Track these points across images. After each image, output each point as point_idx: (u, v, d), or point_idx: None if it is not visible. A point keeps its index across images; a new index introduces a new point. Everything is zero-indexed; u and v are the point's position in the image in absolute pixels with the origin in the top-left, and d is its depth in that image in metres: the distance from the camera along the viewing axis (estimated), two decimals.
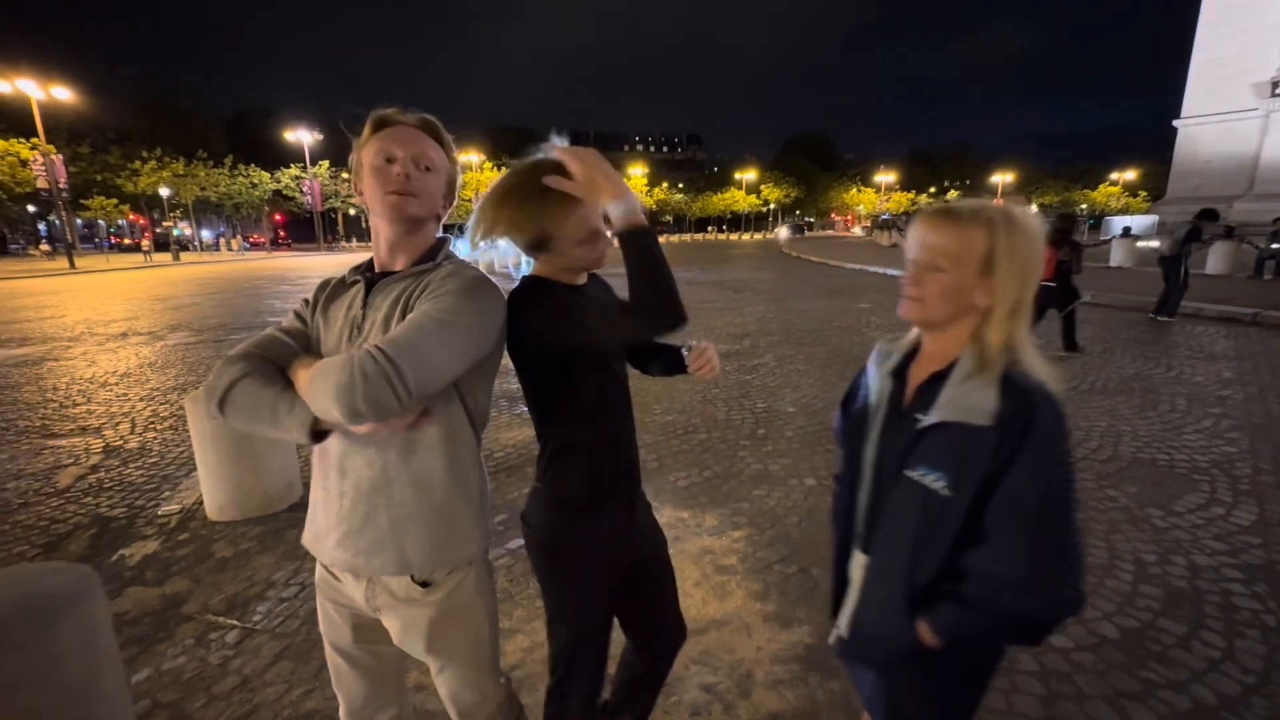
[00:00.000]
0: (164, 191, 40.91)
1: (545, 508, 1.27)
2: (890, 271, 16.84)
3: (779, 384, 5.67)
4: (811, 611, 2.37)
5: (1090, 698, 1.92)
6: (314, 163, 45.21)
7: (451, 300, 1.03)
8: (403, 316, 1.05)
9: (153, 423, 4.97)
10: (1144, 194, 75.14)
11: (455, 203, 1.19)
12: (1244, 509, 3.11)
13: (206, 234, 54.92)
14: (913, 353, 1.09)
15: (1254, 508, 3.12)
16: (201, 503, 3.34)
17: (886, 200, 77.22)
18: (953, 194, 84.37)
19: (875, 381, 1.11)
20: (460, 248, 1.21)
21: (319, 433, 1.01)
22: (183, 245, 37.37)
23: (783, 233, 59.84)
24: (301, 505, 3.38)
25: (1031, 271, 0.93)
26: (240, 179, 44.74)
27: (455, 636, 1.17)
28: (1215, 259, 13.08)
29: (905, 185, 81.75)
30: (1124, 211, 65.23)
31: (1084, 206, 79.11)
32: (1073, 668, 2.05)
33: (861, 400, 1.14)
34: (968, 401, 0.92)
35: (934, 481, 0.95)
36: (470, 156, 55.01)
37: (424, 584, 1.12)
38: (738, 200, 74.16)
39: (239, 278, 20.90)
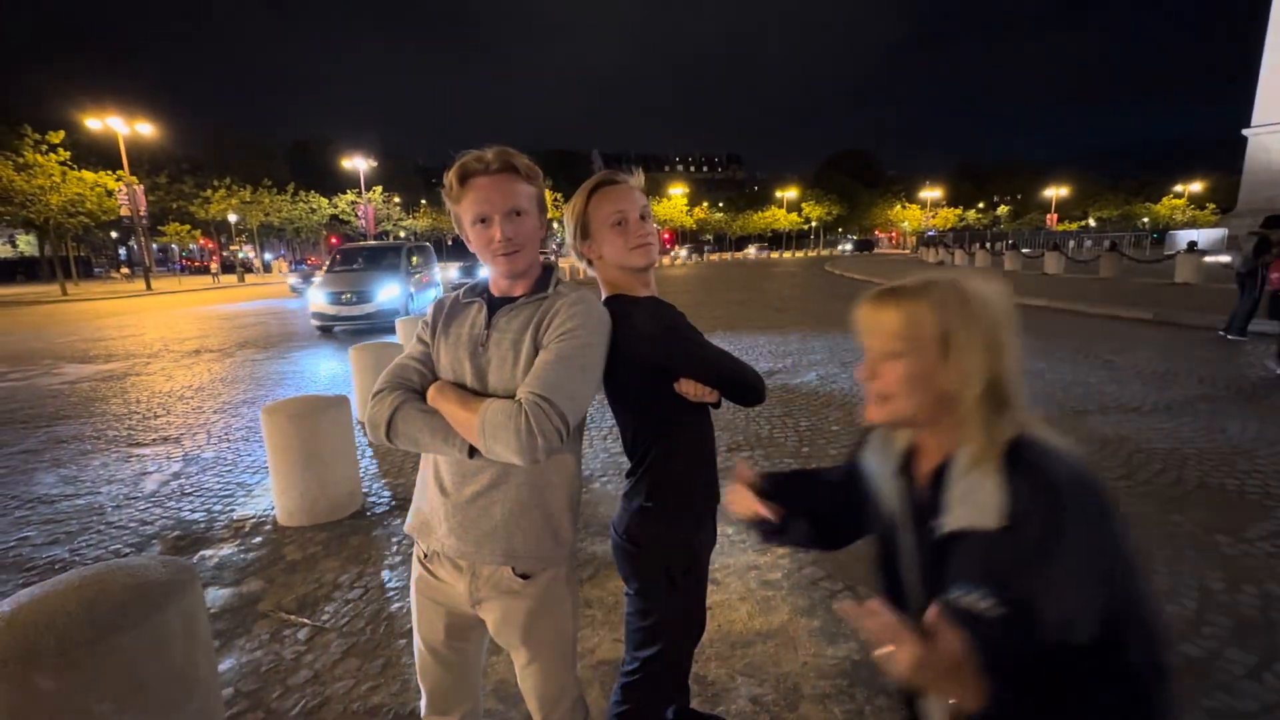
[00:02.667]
0: (232, 217, 43.52)
1: (657, 519, 1.34)
2: None
3: (822, 403, 5.65)
4: (857, 630, 2.37)
5: None
6: (368, 188, 47.35)
7: (585, 334, 1.15)
8: (534, 340, 1.16)
9: (226, 434, 5.30)
10: (1211, 206, 71.25)
11: (548, 217, 1.33)
12: None
13: (270, 256, 58.01)
14: (914, 446, 0.95)
15: None
16: (273, 509, 3.56)
17: (932, 216, 75.53)
18: (1003, 209, 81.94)
19: (884, 486, 0.97)
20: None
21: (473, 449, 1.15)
22: (247, 268, 39.59)
23: (751, 252, 59.83)
24: (363, 513, 3.57)
25: (1001, 339, 0.82)
26: (301, 204, 47.21)
27: (547, 629, 1.27)
28: None
29: (952, 201, 79.82)
30: (1190, 225, 61.96)
31: (1145, 220, 75.62)
32: None
33: (883, 509, 0.98)
34: (972, 500, 0.79)
35: (978, 602, 0.74)
36: None
37: (524, 576, 1.22)
38: (778, 218, 73.86)
39: (302, 298, 21.97)
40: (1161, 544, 2.95)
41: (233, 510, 3.70)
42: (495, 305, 1.24)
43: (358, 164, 44.11)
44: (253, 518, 3.56)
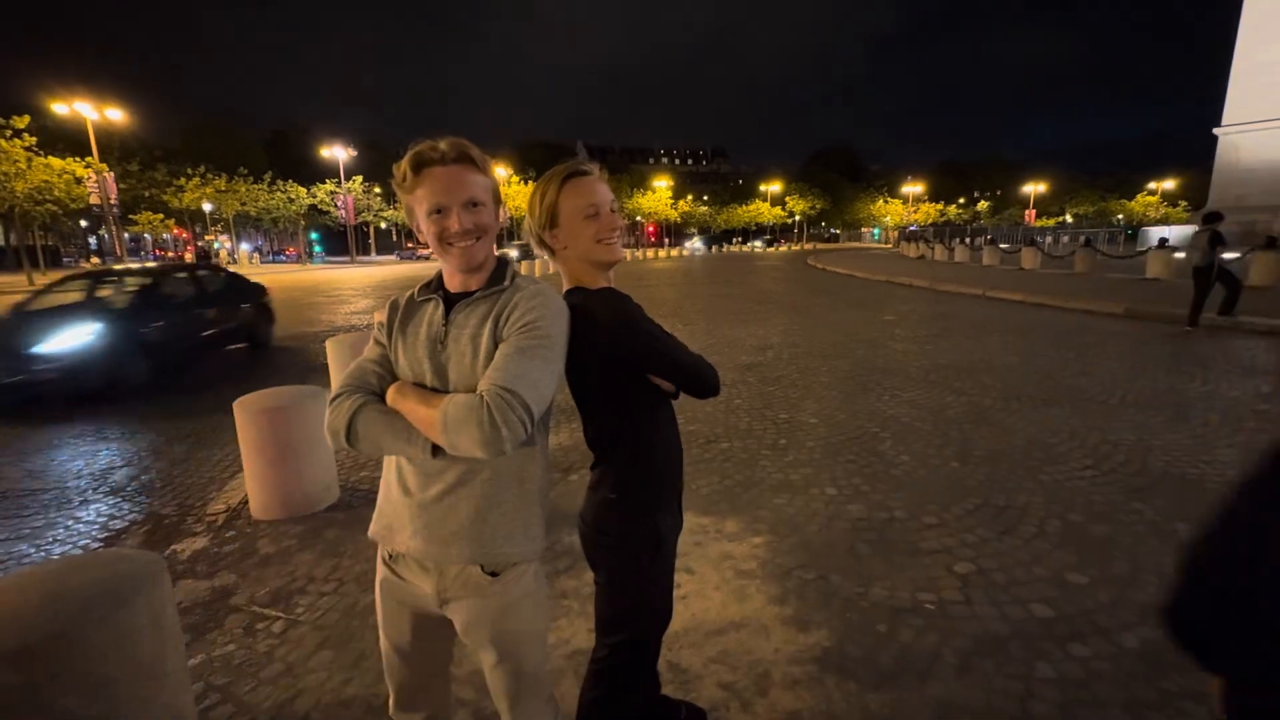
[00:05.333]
0: (206, 206, 42.55)
1: (623, 510, 1.36)
2: (917, 283, 16.68)
3: (801, 395, 5.70)
4: (829, 616, 2.42)
5: (1107, 705, 1.94)
6: (348, 178, 46.56)
7: (546, 325, 1.15)
8: (494, 334, 1.15)
9: (197, 426, 5.21)
10: (1184, 204, 72.87)
11: (504, 208, 1.30)
12: None
13: (246, 246, 56.89)
14: None
15: None
16: (246, 502, 3.52)
17: (914, 211, 76.28)
18: (983, 205, 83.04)
19: None
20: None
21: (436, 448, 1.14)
22: (232, 258, 38.79)
23: (696, 244, 57.58)
24: (339, 506, 3.55)
25: None
26: (278, 194, 46.31)
27: (516, 628, 1.25)
28: (1257, 270, 12.68)
29: (934, 196, 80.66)
30: (1162, 222, 63.34)
31: (1120, 217, 77.09)
32: (1090, 676, 2.07)
33: None
34: None
35: None
36: (499, 171, 56.08)
37: (493, 574, 1.21)
38: (763, 212, 74.08)
39: (276, 290, 21.59)
40: (1123, 530, 3.04)
41: (205, 504, 3.65)
42: (452, 301, 1.21)
43: (337, 153, 43.38)
44: (225, 511, 3.52)
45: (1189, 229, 30.25)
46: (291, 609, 2.56)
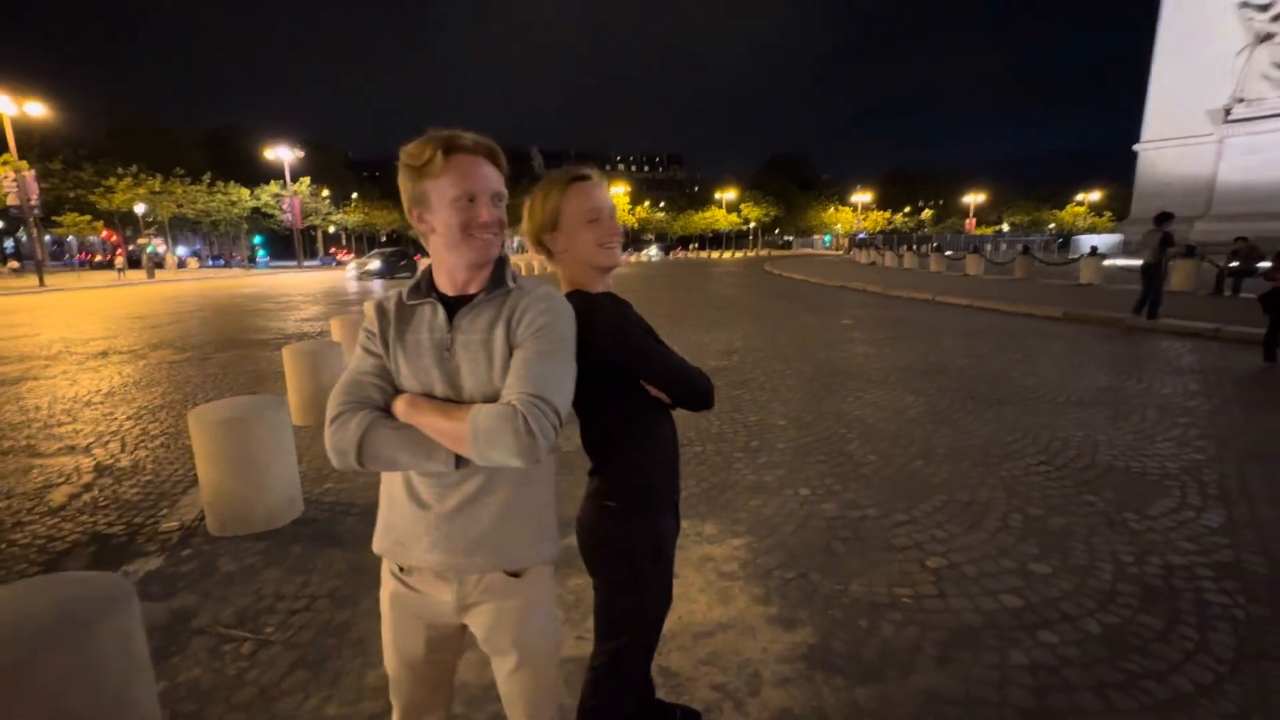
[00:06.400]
0: (139, 208, 40.27)
1: (622, 517, 1.35)
2: (870, 289, 17.22)
3: (768, 398, 5.80)
4: (812, 613, 2.46)
5: (1077, 688, 2.04)
6: (294, 179, 44.89)
7: (560, 329, 1.13)
8: (506, 339, 1.12)
9: (143, 441, 4.92)
10: (1109, 214, 77.73)
11: None
12: (1213, 512, 3.29)
13: (183, 251, 54.08)
14: None
15: (1222, 511, 3.30)
16: (203, 519, 3.34)
17: (864, 219, 78.82)
18: (927, 214, 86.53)
19: None
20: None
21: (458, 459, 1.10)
22: (158, 263, 36.56)
23: (653, 252, 59.18)
24: (304, 520, 3.40)
25: None
26: (219, 196, 44.26)
27: (537, 629, 1.23)
28: (1178, 277, 13.63)
29: (882, 204, 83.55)
30: (1090, 231, 67.35)
31: (1052, 226, 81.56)
32: (1060, 661, 2.17)
33: None
34: None
35: None
36: None
37: (514, 575, 1.19)
38: (718, 219, 75.20)
39: (220, 296, 20.65)
40: (1079, 522, 3.20)
41: (156, 522, 3.44)
42: (450, 304, 1.15)
43: (282, 154, 41.77)
44: (180, 529, 3.33)
45: (1115, 237, 32.31)
46: (260, 629, 2.44)
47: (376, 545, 1.24)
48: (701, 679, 2.11)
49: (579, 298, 1.30)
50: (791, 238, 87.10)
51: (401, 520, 1.19)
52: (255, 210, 46.85)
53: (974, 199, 69.75)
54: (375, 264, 29.09)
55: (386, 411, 1.15)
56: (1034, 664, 2.16)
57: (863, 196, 79.11)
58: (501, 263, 1.20)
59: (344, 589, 2.72)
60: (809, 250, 75.27)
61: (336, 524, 3.37)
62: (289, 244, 50.44)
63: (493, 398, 1.10)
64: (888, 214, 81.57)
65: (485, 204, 1.11)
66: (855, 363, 7.23)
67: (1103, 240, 29.58)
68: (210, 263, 50.32)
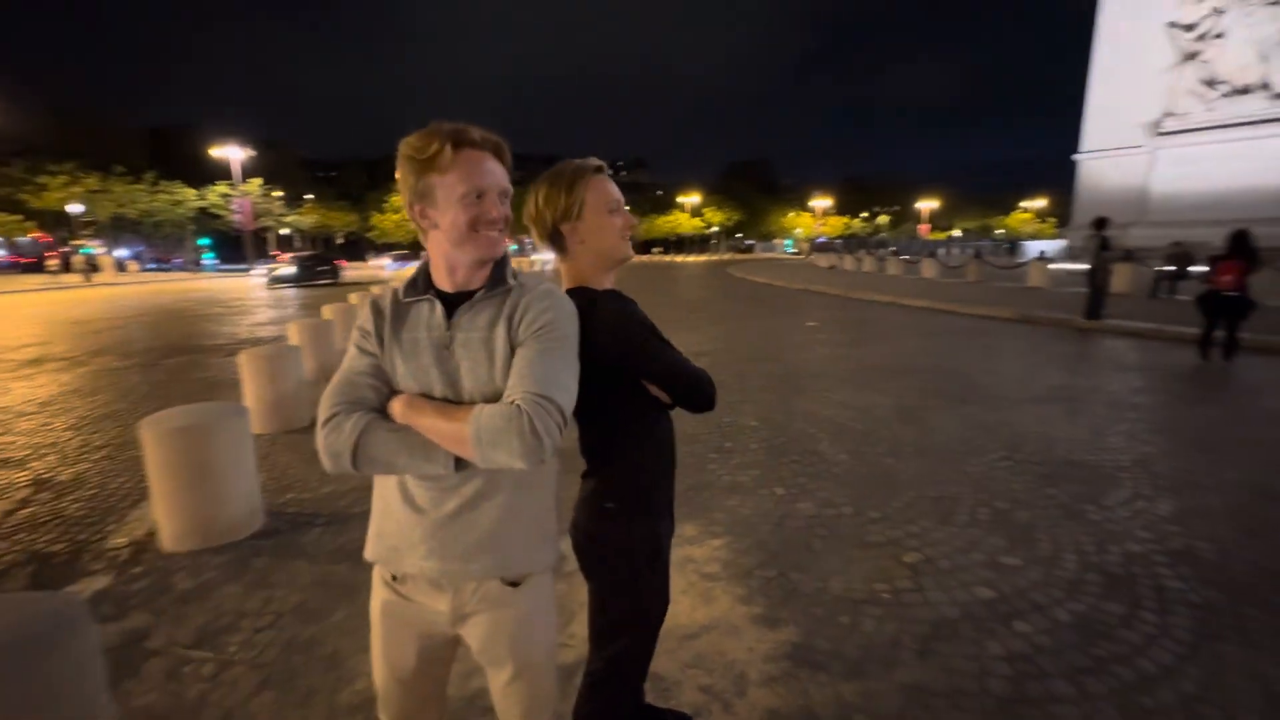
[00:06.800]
0: (75, 208, 38.15)
1: (620, 520, 1.32)
2: (832, 292, 17.59)
3: (739, 399, 5.84)
4: (794, 612, 2.47)
5: (1052, 675, 2.10)
6: (245, 179, 43.23)
7: (563, 327, 1.10)
8: (508, 337, 1.08)
9: (85, 453, 4.64)
10: (1052, 221, 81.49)
11: None
12: (1164, 501, 3.45)
13: (124, 253, 51.40)
14: None
15: (1173, 500, 3.47)
16: (154, 533, 3.15)
17: (823, 224, 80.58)
18: (883, 219, 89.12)
19: None
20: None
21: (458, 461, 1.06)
22: (94, 265, 34.61)
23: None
24: (266, 532, 3.25)
25: None
26: (162, 195, 42.30)
27: (535, 638, 1.19)
28: (1118, 280, 14.35)
29: (840, 210, 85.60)
30: (1035, 237, 70.45)
31: (1000, 231, 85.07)
32: (1034, 650, 2.23)
33: None
34: None
35: None
36: None
37: (512, 584, 1.15)
38: (682, 223, 75.77)
39: (163, 300, 19.72)
40: (1042, 514, 3.32)
41: (102, 539, 3.24)
42: (449, 301, 1.12)
43: (231, 153, 40.17)
44: (130, 545, 3.13)
45: (1059, 243, 33.88)
46: (222, 648, 2.31)
47: (369, 553, 1.19)
48: (688, 682, 2.09)
49: (582, 294, 1.27)
50: (754, 242, 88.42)
51: (396, 526, 1.14)
52: (203, 211, 44.92)
53: (927, 205, 72.12)
54: (288, 269, 25.77)
55: (382, 413, 1.10)
56: (1010, 653, 2.21)
57: (822, 202, 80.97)
58: (502, 260, 1.16)
59: (311, 603, 2.61)
60: (770, 254, 76.53)
61: (300, 535, 3.23)
62: (239, 246, 48.47)
63: (494, 397, 1.07)
64: (846, 219, 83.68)
65: (493, 200, 1.08)
66: (822, 363, 7.36)
67: (1050, 246, 30.97)
68: (151, 265, 47.99)
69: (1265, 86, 28.44)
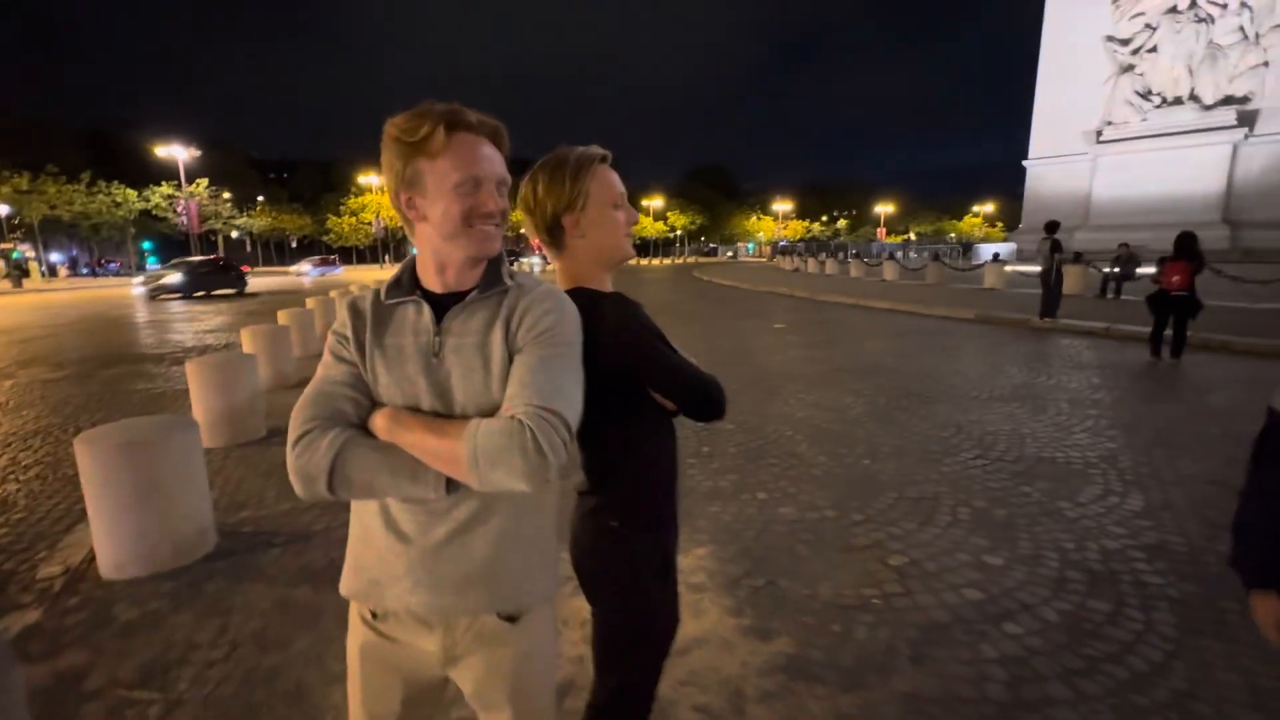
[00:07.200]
0: (1, 209, 35.87)
1: (627, 539, 1.22)
2: (797, 294, 17.81)
3: None
4: (786, 622, 2.40)
5: (1047, 678, 2.08)
6: (190, 180, 41.40)
7: (566, 332, 0.99)
8: (505, 342, 0.97)
9: (12, 472, 4.27)
10: (1001, 225, 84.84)
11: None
12: (1134, 497, 3.53)
13: (57, 257, 48.57)
14: None
15: (1141, 495, 3.55)
16: (92, 560, 2.89)
17: (784, 228, 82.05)
18: (842, 223, 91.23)
19: None
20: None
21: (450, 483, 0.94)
22: (22, 270, 32.46)
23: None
24: (219, 554, 3.02)
25: None
26: (101, 196, 40.13)
27: (535, 678, 1.07)
28: (1069, 280, 14.92)
29: (800, 214, 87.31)
30: (985, 240, 73.25)
31: (953, 235, 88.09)
32: (1027, 652, 2.21)
33: None
34: None
35: None
36: (373, 178, 52.72)
37: (510, 619, 1.02)
38: (646, 226, 75.96)
39: (101, 307, 18.66)
40: (1019, 512, 3.34)
41: (32, 567, 2.95)
42: (437, 303, 1.00)
43: (175, 152, 38.39)
44: (64, 574, 2.86)
45: (1009, 246, 35.21)
46: (171, 686, 2.11)
47: (345, 588, 1.05)
48: (683, 701, 1.99)
49: (583, 295, 1.16)
50: (716, 245, 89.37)
51: (377, 556, 1.00)
52: (145, 213, 42.80)
53: (884, 210, 74.19)
54: (173, 277, 21.10)
55: (363, 429, 0.97)
56: (1004, 656, 2.19)
57: (783, 206, 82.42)
58: (498, 258, 1.04)
59: (270, 631, 2.41)
60: (731, 257, 77.44)
61: (257, 556, 3.01)
62: (184, 250, 46.34)
63: (489, 410, 0.95)
64: (806, 223, 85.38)
65: (490, 191, 0.97)
66: (793, 365, 7.38)
67: (1003, 248, 32.16)
68: (89, 270, 45.44)
69: (1194, 99, 30.15)
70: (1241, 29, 28.48)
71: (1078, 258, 15.50)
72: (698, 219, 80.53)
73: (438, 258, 1.00)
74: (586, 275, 1.22)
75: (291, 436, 0.95)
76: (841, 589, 2.63)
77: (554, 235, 1.22)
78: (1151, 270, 7.61)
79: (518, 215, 1.28)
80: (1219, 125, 29.27)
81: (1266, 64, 27.98)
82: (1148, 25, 31.40)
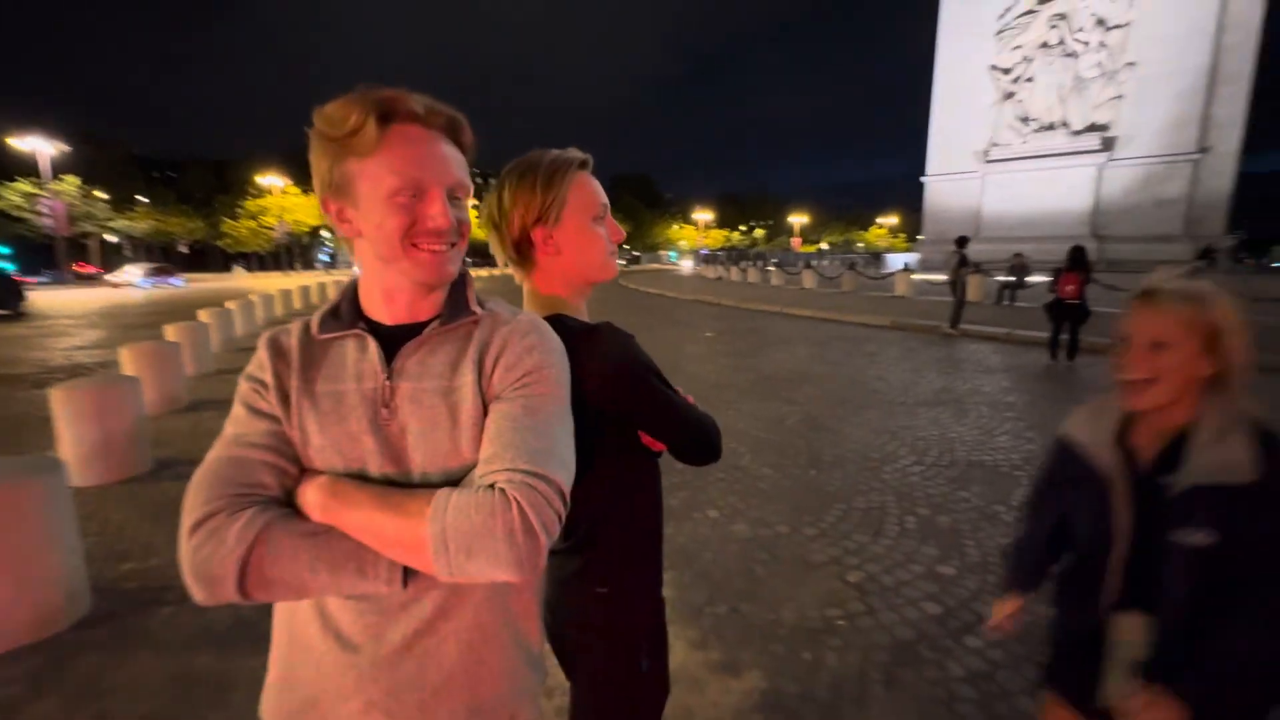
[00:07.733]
0: None
1: (618, 605, 1.05)
2: (723, 302, 18.14)
3: None
4: (755, 653, 2.30)
5: (1014, 693, 2.08)
6: (56, 176, 37.00)
7: (554, 373, 0.80)
8: (478, 387, 0.77)
9: None
10: (903, 236, 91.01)
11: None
12: None
13: None
14: (1127, 421, 1.14)
15: None
16: None
17: (705, 237, 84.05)
18: (759, 232, 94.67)
19: (1099, 451, 1.14)
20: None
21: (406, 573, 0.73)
22: None
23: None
24: (96, 619, 2.56)
25: (1241, 338, 1.03)
26: None
27: None
28: (970, 289, 16.09)
29: (720, 224, 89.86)
30: (891, 249, 78.33)
31: (860, 245, 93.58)
32: (991, 666, 2.22)
33: (1081, 471, 1.16)
34: (1222, 460, 0.99)
35: (1203, 539, 1.00)
36: (273, 180, 49.24)
37: None
38: None
39: None
40: (962, 518, 3.43)
41: None
42: (389, 338, 0.80)
43: (38, 145, 34.20)
44: None
45: (914, 256, 37.71)
46: None
47: (268, 709, 0.81)
48: None
49: (568, 328, 0.96)
50: (639, 253, 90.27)
51: (314, 669, 0.77)
52: (1, 213, 37.85)
53: (798, 220, 77.64)
54: None
55: (288, 505, 0.74)
56: (971, 673, 2.18)
57: (704, 215, 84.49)
58: (461, 279, 0.85)
59: (164, 712, 2.04)
60: (656, 265, 78.38)
61: (145, 618, 2.57)
62: (48, 255, 41.20)
63: (458, 476, 0.75)
64: (726, 232, 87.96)
65: (438, 200, 0.76)
66: (726, 375, 7.42)
67: (909, 258, 34.33)
68: None
69: (1065, 125, 33.57)
70: (1100, 64, 32.03)
71: (978, 268, 16.73)
72: (622, 227, 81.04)
73: (383, 283, 0.80)
74: (559, 300, 1.05)
75: (187, 522, 0.69)
76: (805, 611, 2.56)
77: (522, 252, 1.04)
78: (1041, 279, 8.30)
79: (480, 232, 1.08)
80: (1086, 149, 32.71)
81: (1121, 96, 31.58)
82: (1025, 58, 34.67)
